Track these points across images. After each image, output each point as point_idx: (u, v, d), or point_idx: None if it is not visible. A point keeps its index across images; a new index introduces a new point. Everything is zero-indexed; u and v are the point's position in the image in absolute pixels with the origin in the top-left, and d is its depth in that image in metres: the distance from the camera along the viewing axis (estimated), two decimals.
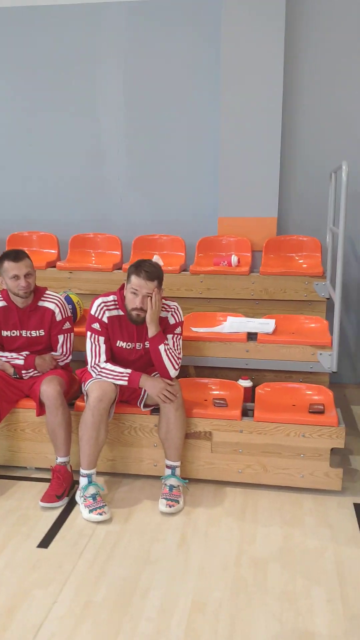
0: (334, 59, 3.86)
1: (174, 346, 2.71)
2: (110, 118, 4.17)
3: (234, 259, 3.83)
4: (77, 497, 2.63)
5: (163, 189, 4.20)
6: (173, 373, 2.66)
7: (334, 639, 1.89)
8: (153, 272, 2.61)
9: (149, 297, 2.61)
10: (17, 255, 2.74)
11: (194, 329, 3.33)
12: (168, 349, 2.64)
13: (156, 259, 3.92)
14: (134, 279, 2.61)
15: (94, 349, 2.68)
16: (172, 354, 2.66)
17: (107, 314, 2.69)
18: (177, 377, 3.02)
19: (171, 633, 1.90)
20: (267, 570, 2.22)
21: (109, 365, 2.65)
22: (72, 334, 2.92)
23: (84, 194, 4.28)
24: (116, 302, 2.72)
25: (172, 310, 2.79)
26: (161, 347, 2.62)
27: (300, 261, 3.88)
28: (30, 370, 2.83)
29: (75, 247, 4.09)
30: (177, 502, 2.61)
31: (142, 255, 3.95)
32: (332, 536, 2.44)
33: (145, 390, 2.74)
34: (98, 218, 4.27)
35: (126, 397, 2.82)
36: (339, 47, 3.84)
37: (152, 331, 2.62)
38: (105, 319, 2.68)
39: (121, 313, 2.72)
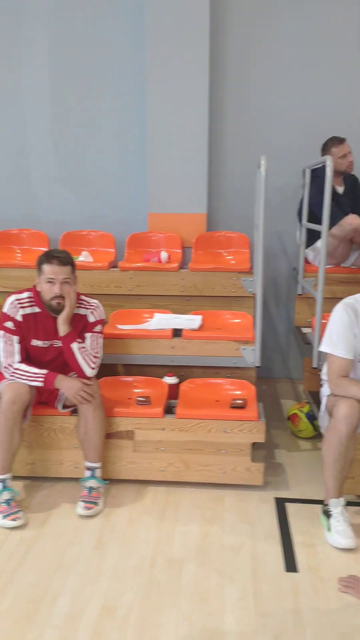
0: (258, 54, 3.88)
1: (92, 345, 2.64)
2: (35, 112, 4.05)
3: (163, 255, 3.79)
4: None
5: (92, 185, 4.12)
6: (89, 372, 2.60)
7: (243, 637, 1.87)
8: (65, 257, 2.58)
9: (67, 285, 2.54)
10: None
11: (120, 327, 3.27)
12: (81, 347, 2.57)
13: (85, 255, 3.85)
14: (46, 267, 2.54)
15: (7, 349, 2.58)
16: (87, 352, 2.59)
17: (22, 312, 2.60)
18: (102, 376, 2.98)
19: None
20: (182, 570, 2.20)
21: (23, 366, 2.56)
22: None
23: (9, 189, 4.14)
24: (32, 299, 2.63)
25: (93, 307, 2.72)
26: (74, 346, 2.55)
27: (229, 257, 3.88)
28: None
29: None
30: (96, 504, 2.56)
31: (70, 251, 3.85)
32: (250, 532, 2.44)
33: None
34: (24, 214, 4.14)
35: (44, 398, 2.74)
36: (263, 43, 3.85)
37: (63, 330, 2.55)
38: (19, 317, 2.59)
39: (37, 310, 2.63)
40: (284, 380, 4.29)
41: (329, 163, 2.83)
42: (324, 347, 2.46)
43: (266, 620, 1.95)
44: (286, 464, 3.05)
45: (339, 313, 2.42)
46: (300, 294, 3.73)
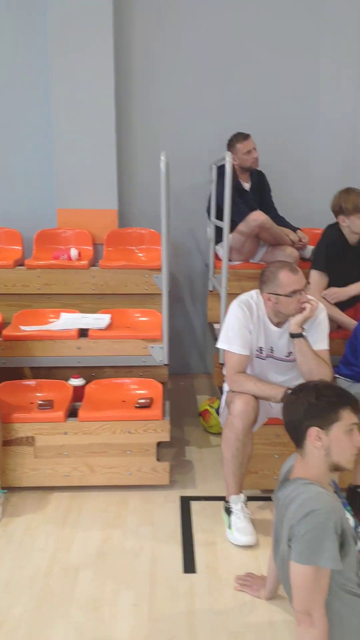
0: (166, 49, 3.83)
1: None
2: None
3: (73, 252, 3.68)
4: None
5: None
6: None
7: None
8: None
9: None
10: None
11: (23, 328, 3.15)
12: None
13: None
14: None
15: None
16: None
17: None
18: (5, 379, 2.87)
19: None
20: (78, 578, 2.14)
21: None
22: None
23: None
24: None
25: None
26: None
27: (140, 254, 3.82)
28: None
29: None
30: None
31: None
32: (151, 534, 2.40)
33: None
34: None
35: None
36: (170, 38, 3.81)
37: None
38: None
39: None
40: (202, 376, 4.29)
41: (228, 159, 2.83)
42: (220, 344, 2.46)
43: (159, 625, 1.92)
44: (195, 461, 3.04)
45: (234, 310, 2.42)
46: (211, 290, 3.73)
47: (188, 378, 4.28)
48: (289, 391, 2.16)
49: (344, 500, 1.73)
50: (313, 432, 1.61)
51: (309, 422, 1.62)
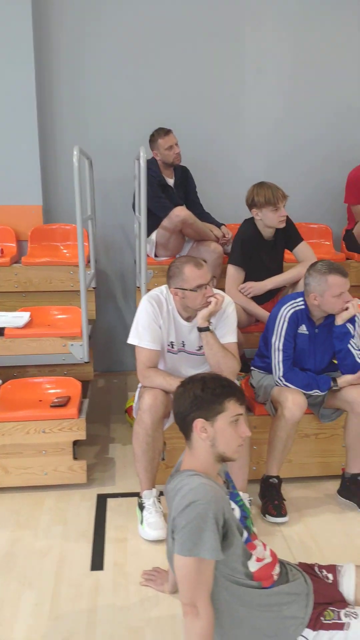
0: (90, 41, 3.79)
1: None
2: None
3: None
4: None
5: None
6: None
7: None
8: None
9: None
10: None
11: None
12: None
13: None
14: None
15: None
16: None
17: None
18: None
19: None
20: None
21: None
22: None
23: None
24: None
25: None
26: None
27: (65, 251, 3.78)
28: None
29: None
30: None
31: None
32: (63, 533, 2.37)
33: None
34: None
35: None
36: (94, 30, 3.78)
37: None
38: None
39: None
40: (135, 373, 4.26)
41: (142, 155, 2.82)
42: (130, 339, 2.45)
43: (58, 624, 1.89)
44: (118, 458, 3.02)
45: (144, 305, 2.42)
46: (139, 287, 3.70)
47: (121, 375, 4.26)
48: None
49: (234, 490, 1.74)
50: (198, 423, 1.62)
51: (194, 413, 1.62)
